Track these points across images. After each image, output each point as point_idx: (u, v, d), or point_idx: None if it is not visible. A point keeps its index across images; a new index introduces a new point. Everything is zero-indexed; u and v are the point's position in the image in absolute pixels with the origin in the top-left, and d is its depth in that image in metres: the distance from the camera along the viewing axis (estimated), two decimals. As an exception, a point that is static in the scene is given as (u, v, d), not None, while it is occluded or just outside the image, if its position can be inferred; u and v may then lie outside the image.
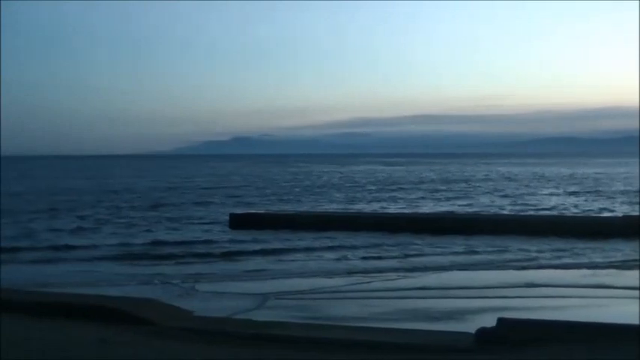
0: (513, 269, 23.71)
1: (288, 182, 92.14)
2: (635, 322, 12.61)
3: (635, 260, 24.79)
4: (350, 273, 23.03)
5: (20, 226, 37.90)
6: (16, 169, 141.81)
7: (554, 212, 45.29)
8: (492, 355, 10.69)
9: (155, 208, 50.57)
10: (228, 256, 27.37)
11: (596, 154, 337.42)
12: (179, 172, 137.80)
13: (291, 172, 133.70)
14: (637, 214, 40.16)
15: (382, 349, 11.29)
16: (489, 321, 11.67)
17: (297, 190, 74.51)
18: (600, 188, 70.93)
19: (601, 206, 49.91)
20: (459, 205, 51.63)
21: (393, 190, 71.64)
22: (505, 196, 62.23)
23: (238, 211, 42.20)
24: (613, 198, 57.84)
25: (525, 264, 24.71)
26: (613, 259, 25.20)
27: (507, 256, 26.56)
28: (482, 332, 11.34)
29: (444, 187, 76.43)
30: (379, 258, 26.30)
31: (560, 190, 68.95)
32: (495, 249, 27.95)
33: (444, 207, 50.60)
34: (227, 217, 38.50)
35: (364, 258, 26.29)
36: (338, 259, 26.02)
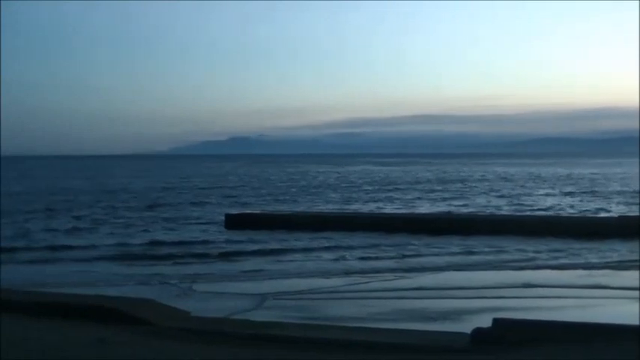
0: (510, 269, 23.75)
1: (285, 182, 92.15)
2: (632, 322, 12.65)
3: (632, 261, 24.85)
4: (347, 273, 23.06)
5: (17, 226, 37.89)
6: (14, 169, 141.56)
7: (551, 213, 45.32)
8: (488, 355, 10.72)
9: (152, 208, 50.58)
10: (226, 256, 27.40)
11: (595, 154, 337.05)
12: (176, 172, 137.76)
13: (287, 172, 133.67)
14: (633, 214, 40.25)
15: (379, 349, 11.32)
16: (485, 321, 11.70)
17: (293, 190, 74.51)
18: (596, 189, 70.98)
19: (597, 207, 49.96)
20: (456, 206, 51.66)
21: (389, 191, 71.67)
22: (501, 196, 62.26)
23: (234, 211, 42.22)
24: (609, 198, 57.89)
25: (522, 264, 24.75)
26: (609, 260, 25.26)
27: (504, 256, 26.60)
28: (478, 332, 11.37)
29: (440, 188, 76.46)
30: (376, 258, 26.33)
31: (556, 191, 69.00)
32: (492, 249, 27.99)
33: (440, 207, 50.64)
34: (223, 218, 38.52)
35: (361, 258, 26.32)
36: (335, 260, 26.05)
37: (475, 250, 27.94)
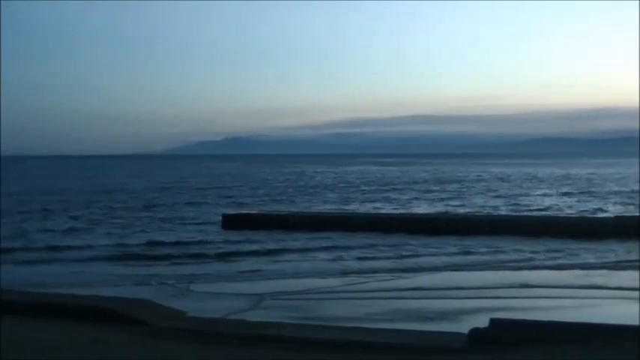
0: (507, 270, 23.74)
1: (282, 183, 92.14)
2: (630, 322, 12.64)
3: (629, 261, 24.86)
4: (344, 273, 23.04)
5: (14, 226, 37.83)
6: (12, 170, 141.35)
7: (548, 213, 45.30)
8: (485, 355, 10.70)
9: (148, 208, 50.54)
10: (223, 256, 27.39)
11: (594, 154, 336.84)
12: (173, 172, 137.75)
13: (284, 172, 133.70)
14: (629, 214, 40.30)
15: (376, 349, 11.30)
16: (483, 321, 11.69)
17: (290, 190, 74.50)
18: (593, 189, 71.03)
19: (594, 207, 49.99)
20: (453, 206, 51.65)
21: (386, 191, 71.66)
22: (498, 196, 62.28)
23: (231, 211, 42.19)
24: (606, 199, 57.92)
25: (520, 264, 24.74)
26: (606, 260, 25.25)
27: (501, 256, 26.59)
28: (475, 333, 11.35)
29: (437, 188, 76.46)
30: (374, 258, 26.31)
31: (553, 191, 69.03)
32: (489, 249, 27.98)
33: (437, 207, 50.65)
34: (220, 218, 38.48)
35: (359, 258, 26.29)
36: (333, 260, 26.03)
37: (472, 250, 27.93)
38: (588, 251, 27.27)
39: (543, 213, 44.73)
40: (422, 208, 50.25)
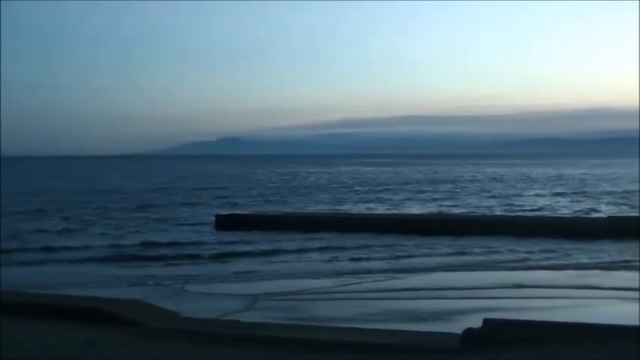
0: (501, 270, 23.77)
1: (275, 183, 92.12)
2: (622, 322, 12.67)
3: (621, 261, 24.92)
4: (339, 274, 23.06)
5: (9, 227, 37.74)
6: (6, 170, 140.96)
7: (541, 213, 45.35)
8: (478, 355, 10.73)
9: (142, 209, 50.51)
10: (218, 257, 27.41)
11: (591, 154, 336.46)
12: (167, 172, 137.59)
13: (278, 172, 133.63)
14: (622, 214, 40.39)
15: (369, 349, 11.32)
16: (476, 322, 11.71)
17: (283, 191, 74.46)
18: (586, 189, 71.13)
19: (587, 207, 50.07)
20: (446, 206, 51.69)
21: (379, 191, 71.68)
22: (492, 196, 62.34)
23: (224, 212, 42.17)
24: (599, 199, 58.03)
25: (514, 265, 24.78)
26: (599, 260, 25.30)
27: (495, 257, 26.63)
28: (469, 333, 11.38)
29: (430, 188, 76.51)
30: (368, 259, 26.33)
31: (547, 191, 69.11)
32: (483, 250, 28.01)
33: (430, 208, 50.66)
34: (213, 219, 38.46)
35: (353, 259, 26.32)
36: (327, 261, 26.05)
37: (466, 250, 27.97)
38: (582, 251, 27.32)
39: (537, 213, 44.76)
40: (415, 209, 50.27)
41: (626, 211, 44.89)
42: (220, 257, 27.37)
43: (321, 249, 28.80)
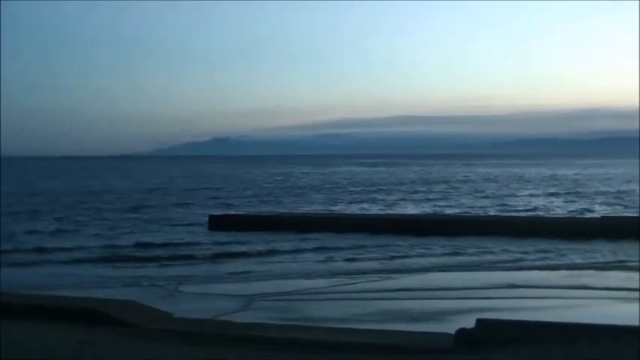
0: (495, 270, 23.80)
1: (269, 183, 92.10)
2: (616, 322, 12.68)
3: (615, 262, 24.98)
4: (333, 274, 23.08)
5: (2, 228, 37.66)
6: (4, 170, 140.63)
7: (535, 213, 45.40)
8: (471, 355, 10.73)
9: (135, 209, 50.45)
10: (212, 257, 27.43)
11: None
12: (160, 173, 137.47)
13: (271, 173, 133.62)
14: (615, 214, 40.48)
15: (363, 349, 11.31)
16: (470, 322, 11.71)
17: (277, 191, 74.45)
18: (579, 189, 71.24)
19: (580, 207, 50.16)
20: (440, 207, 51.72)
21: (373, 192, 71.70)
22: (486, 197, 62.42)
23: (217, 212, 42.15)
24: (592, 199, 58.14)
25: (508, 265, 24.80)
26: (593, 261, 25.35)
27: (490, 257, 26.65)
28: (462, 333, 11.38)
29: (424, 189, 76.57)
30: (362, 259, 26.34)
31: (540, 191, 69.20)
32: (478, 250, 28.04)
33: (424, 208, 50.68)
34: (206, 219, 38.43)
35: (347, 259, 26.34)
36: (322, 261, 26.09)
37: (461, 251, 28.00)
38: (576, 251, 27.37)
39: (531, 213, 44.82)
40: (408, 209, 50.30)
41: (619, 211, 45.01)
42: (215, 258, 27.38)
43: (315, 249, 28.82)
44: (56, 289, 20.01)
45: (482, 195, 64.76)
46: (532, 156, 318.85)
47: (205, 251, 28.82)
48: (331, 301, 18.85)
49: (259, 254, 27.91)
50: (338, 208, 51.17)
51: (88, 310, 13.78)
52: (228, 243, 30.80)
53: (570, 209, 48.56)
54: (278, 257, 27.25)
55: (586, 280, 21.46)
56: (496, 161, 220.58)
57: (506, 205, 52.90)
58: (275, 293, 19.70)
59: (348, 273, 23.31)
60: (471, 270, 24.09)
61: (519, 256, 26.72)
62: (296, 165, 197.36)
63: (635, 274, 22.15)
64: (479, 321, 11.50)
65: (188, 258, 27.40)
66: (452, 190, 72.53)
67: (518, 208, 49.36)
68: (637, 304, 17.38)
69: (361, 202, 58.19)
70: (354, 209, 50.34)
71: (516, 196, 62.66)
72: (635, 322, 13.02)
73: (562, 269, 23.75)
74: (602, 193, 64.31)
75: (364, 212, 47.01)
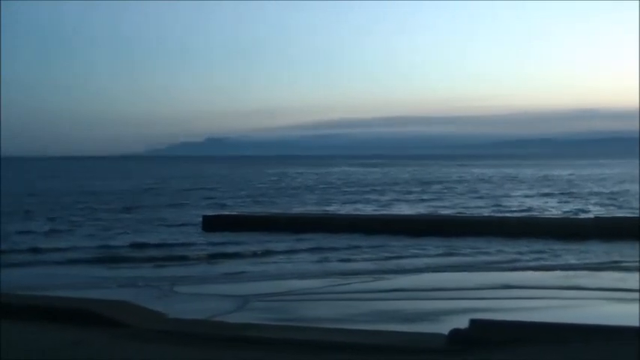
0: (490, 271, 23.82)
1: (263, 184, 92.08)
2: (610, 322, 12.71)
3: (609, 262, 25.03)
4: (328, 275, 23.08)
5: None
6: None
7: (530, 214, 45.46)
8: (464, 355, 10.74)
9: (129, 210, 50.40)
10: (207, 258, 27.43)
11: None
12: (154, 173, 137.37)
13: (266, 173, 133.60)
14: (609, 215, 40.55)
15: (356, 350, 11.32)
16: (463, 322, 11.73)
17: (271, 191, 74.45)
18: (573, 190, 71.34)
19: (574, 207, 50.23)
20: (434, 207, 51.76)
21: (367, 192, 71.73)
22: (480, 197, 62.48)
23: (211, 212, 42.12)
24: (586, 199, 58.25)
25: (502, 265, 24.83)
26: (587, 261, 25.39)
27: (484, 257, 26.66)
28: (455, 333, 11.39)
29: (418, 189, 76.63)
30: (357, 260, 26.36)
31: (534, 192, 69.30)
32: (472, 250, 28.06)
33: (418, 209, 50.70)
34: (200, 219, 38.41)
35: (342, 260, 26.35)
36: (316, 262, 26.10)
37: (455, 251, 28.01)
38: (570, 252, 27.39)
39: (525, 214, 44.88)
40: (403, 210, 50.33)
41: (613, 212, 45.11)
42: (209, 258, 27.38)
43: (310, 250, 28.81)
44: (50, 289, 19.96)
45: (477, 195, 64.83)
46: (532, 156, 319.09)
47: (200, 252, 28.81)
48: (326, 301, 18.86)
49: (254, 255, 27.91)
50: (332, 209, 51.15)
51: (81, 310, 13.76)
52: (223, 243, 30.78)
53: (565, 210, 48.62)
54: (272, 258, 27.24)
55: (580, 280, 21.50)
56: (495, 162, 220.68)
57: (500, 205, 52.94)
58: (270, 294, 19.70)
59: (342, 273, 23.31)
60: (465, 270, 24.11)
61: (514, 256, 26.74)
62: (293, 165, 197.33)
63: (628, 275, 22.21)
64: (472, 321, 11.52)
65: (182, 259, 27.39)
66: (446, 191, 72.57)
67: (513, 209, 49.41)
68: (631, 305, 17.42)
69: (355, 202, 58.20)
70: (348, 209, 50.34)
71: (510, 197, 62.73)
72: (629, 323, 13.03)
73: (556, 270, 23.79)
74: (596, 194, 64.41)
75: (360, 213, 46.98)
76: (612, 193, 65.41)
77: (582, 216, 42.23)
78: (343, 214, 43.65)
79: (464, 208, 50.85)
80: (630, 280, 21.28)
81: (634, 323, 12.75)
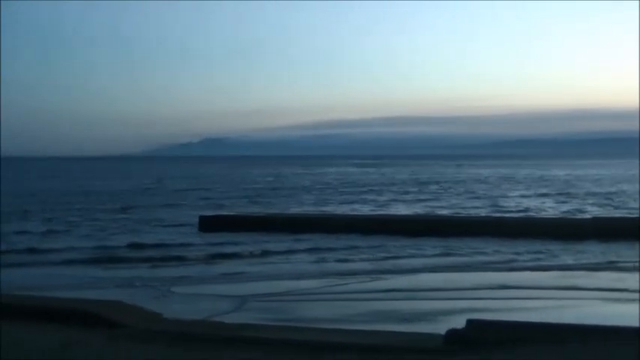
0: (487, 271, 23.84)
1: (260, 184, 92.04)
2: (606, 323, 12.73)
3: (606, 262, 25.06)
4: (326, 275, 23.11)
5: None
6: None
7: (527, 214, 45.49)
8: (461, 356, 10.76)
9: (125, 210, 50.38)
10: (204, 258, 27.42)
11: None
12: (151, 173, 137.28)
13: (263, 174, 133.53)
14: (606, 215, 40.60)
15: (353, 350, 11.34)
16: (460, 322, 11.74)
17: (267, 192, 74.42)
18: (570, 190, 71.38)
19: (571, 208, 50.28)
20: (432, 207, 51.77)
21: (364, 192, 71.74)
22: (477, 197, 62.51)
23: (208, 213, 42.09)
24: (583, 200, 58.30)
25: (499, 266, 24.84)
26: (584, 261, 25.41)
27: (482, 258, 26.68)
28: (452, 333, 11.41)
29: (415, 189, 76.65)
30: (354, 260, 26.37)
31: (531, 192, 69.34)
32: (470, 251, 28.08)
33: (415, 209, 50.72)
34: (197, 220, 38.38)
35: (339, 260, 26.37)
36: (314, 262, 26.14)
37: (453, 251, 28.04)
38: (567, 252, 27.41)
39: (522, 214, 44.91)
40: (400, 210, 50.33)
41: (610, 212, 45.16)
42: (207, 258, 27.38)
43: (308, 250, 28.82)
44: (48, 290, 19.98)
45: (474, 196, 64.85)
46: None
47: (197, 252, 28.82)
48: (323, 301, 18.89)
49: (251, 255, 27.92)
50: (329, 209, 51.14)
51: (78, 310, 13.78)
52: (220, 244, 30.77)
53: (562, 210, 48.65)
54: (270, 258, 27.25)
55: (577, 280, 21.52)
56: (495, 162, 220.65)
57: (497, 205, 52.96)
58: (267, 294, 19.72)
59: (340, 274, 23.32)
60: (462, 271, 24.13)
61: (511, 256, 26.76)
62: (292, 165, 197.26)
63: (626, 275, 22.25)
64: (469, 321, 11.54)
65: (180, 259, 27.39)
66: (443, 191, 72.59)
67: (510, 209, 49.42)
68: (628, 305, 17.45)
69: (352, 202, 58.21)
70: (345, 210, 50.33)
71: (508, 197, 62.76)
72: (626, 323, 13.05)
73: (554, 270, 23.80)
74: (593, 194, 64.44)
75: (357, 213, 46.96)
76: (609, 193, 65.46)
77: (580, 216, 42.27)
78: (341, 215, 43.62)
79: (461, 208, 50.86)
80: (627, 280, 21.32)
81: (631, 323, 12.79)
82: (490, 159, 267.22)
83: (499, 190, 72.96)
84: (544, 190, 71.55)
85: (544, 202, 56.15)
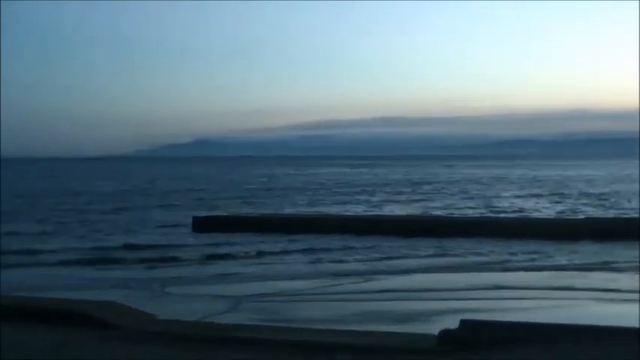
0: (481, 271, 23.87)
1: (253, 185, 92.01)
2: (599, 323, 12.76)
3: (599, 263, 25.10)
4: (320, 276, 23.12)
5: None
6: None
7: (521, 214, 45.55)
8: (454, 356, 10.77)
9: (118, 211, 50.32)
10: (198, 259, 27.41)
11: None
12: (143, 174, 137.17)
13: (255, 174, 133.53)
14: (599, 216, 40.70)
15: (346, 350, 11.35)
16: (454, 323, 11.76)
17: (260, 192, 74.39)
18: (563, 191, 71.50)
19: (564, 208, 50.38)
20: (426, 208, 51.81)
21: (357, 193, 71.76)
22: (471, 198, 62.58)
23: (201, 213, 42.06)
24: (576, 200, 58.41)
25: (493, 266, 24.87)
26: (578, 262, 25.46)
27: (476, 258, 26.70)
28: (445, 334, 11.42)
29: (408, 190, 76.70)
30: (349, 261, 26.38)
31: (524, 193, 69.44)
32: (464, 251, 28.11)
33: (409, 209, 50.75)
34: (190, 220, 38.34)
35: (334, 261, 26.37)
36: (308, 262, 26.15)
37: (447, 252, 28.06)
38: (561, 253, 27.45)
39: (516, 215, 44.97)
40: (393, 210, 50.35)
41: (603, 213, 45.25)
42: (201, 259, 27.37)
43: (302, 251, 28.83)
44: (43, 291, 19.95)
45: (468, 196, 64.92)
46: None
47: (192, 253, 28.81)
48: (318, 302, 18.92)
49: (246, 256, 27.92)
50: (322, 210, 51.11)
51: (71, 311, 13.75)
52: (214, 244, 30.77)
53: (556, 210, 48.77)
54: (264, 259, 27.25)
55: (571, 281, 21.55)
56: (495, 162, 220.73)
57: (491, 206, 53.03)
58: (262, 294, 19.72)
59: (334, 274, 23.34)
60: (456, 271, 24.16)
61: (505, 257, 26.80)
62: (280, 166, 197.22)
63: (619, 275, 22.30)
64: (463, 322, 11.55)
65: (174, 260, 27.38)
66: (436, 192, 72.64)
67: (504, 210, 49.49)
68: (622, 305, 17.50)
69: (345, 203, 58.23)
70: (339, 210, 50.34)
71: (501, 197, 62.86)
72: (620, 323, 13.08)
73: (548, 270, 23.84)
74: (586, 195, 64.56)
75: (350, 213, 46.97)
76: (602, 194, 65.59)
77: (573, 217, 42.35)
78: (335, 215, 43.64)
79: (455, 208, 50.91)
80: (621, 280, 21.38)
81: (625, 323, 12.81)
82: (490, 159, 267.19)
83: (494, 190, 73.06)
84: (537, 191, 71.65)
85: (537, 203, 56.23)
